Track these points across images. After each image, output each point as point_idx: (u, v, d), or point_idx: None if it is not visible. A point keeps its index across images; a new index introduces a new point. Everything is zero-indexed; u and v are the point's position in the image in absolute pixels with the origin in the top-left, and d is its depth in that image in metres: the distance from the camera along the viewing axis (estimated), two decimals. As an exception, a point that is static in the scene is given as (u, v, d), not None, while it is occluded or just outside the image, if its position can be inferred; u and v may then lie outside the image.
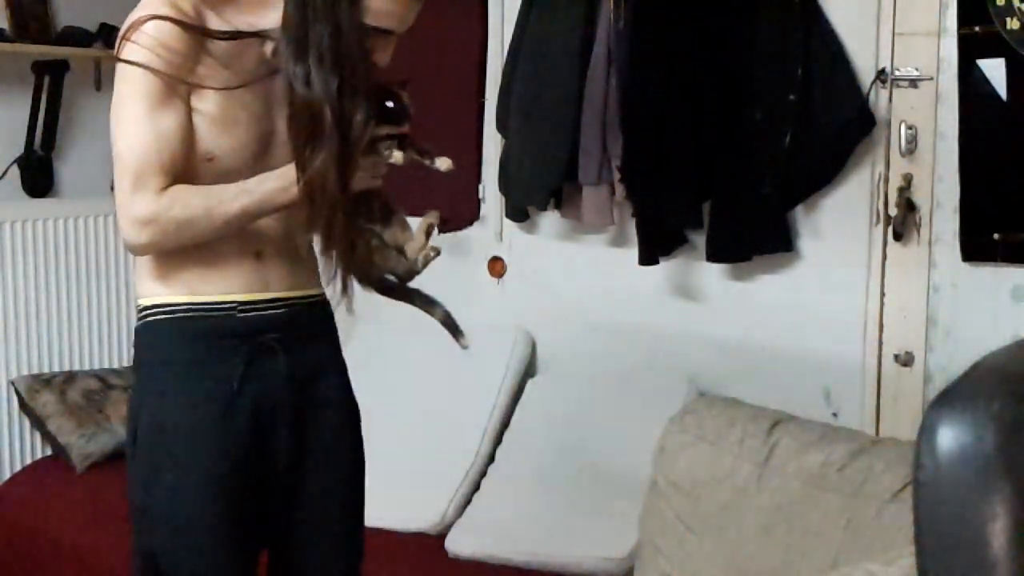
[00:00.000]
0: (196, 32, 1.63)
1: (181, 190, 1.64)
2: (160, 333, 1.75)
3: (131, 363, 3.71)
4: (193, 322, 1.73)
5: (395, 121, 1.75)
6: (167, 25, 1.61)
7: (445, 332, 1.88)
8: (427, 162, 1.81)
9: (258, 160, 1.72)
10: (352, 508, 1.91)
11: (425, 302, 1.87)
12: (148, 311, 1.76)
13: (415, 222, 1.86)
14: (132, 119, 1.62)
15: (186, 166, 1.66)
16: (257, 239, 1.76)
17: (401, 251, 1.83)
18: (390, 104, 1.74)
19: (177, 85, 1.62)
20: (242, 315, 1.75)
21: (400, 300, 1.87)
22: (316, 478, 1.83)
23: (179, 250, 1.70)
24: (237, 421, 1.73)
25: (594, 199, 2.94)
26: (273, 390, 1.77)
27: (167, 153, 1.62)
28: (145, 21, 1.61)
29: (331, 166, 1.63)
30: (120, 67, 1.63)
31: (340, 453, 1.88)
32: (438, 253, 1.84)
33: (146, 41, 1.60)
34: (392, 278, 1.85)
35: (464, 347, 1.84)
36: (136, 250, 1.69)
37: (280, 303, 1.79)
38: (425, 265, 1.83)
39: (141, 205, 1.62)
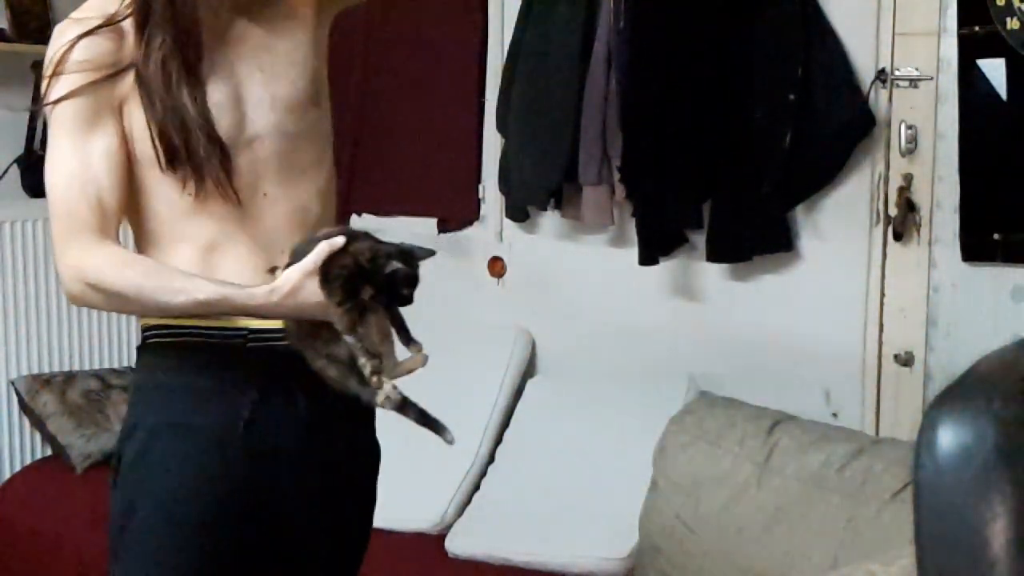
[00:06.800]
0: (106, 26, 1.50)
1: (118, 256, 1.49)
2: (161, 357, 1.58)
3: (131, 363, 3.74)
4: (198, 347, 1.55)
5: (398, 297, 1.46)
6: (82, 44, 1.49)
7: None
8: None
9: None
10: (352, 565, 1.75)
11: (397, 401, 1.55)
12: (151, 332, 1.59)
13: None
14: (59, 152, 1.50)
15: (129, 187, 1.53)
16: (270, 249, 1.56)
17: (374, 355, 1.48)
18: (397, 266, 1.44)
19: (105, 102, 1.50)
20: (253, 344, 1.55)
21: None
22: (319, 536, 1.65)
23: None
24: (236, 468, 1.54)
25: (594, 199, 2.94)
26: (287, 437, 1.57)
27: (92, 188, 1.49)
28: (62, 55, 1.50)
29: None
30: (47, 110, 1.52)
31: (352, 510, 1.71)
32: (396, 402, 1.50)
33: (67, 68, 1.49)
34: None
35: (449, 442, 1.55)
36: (68, 299, 1.52)
37: None
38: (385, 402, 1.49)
39: (73, 255, 1.48)
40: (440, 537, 2.86)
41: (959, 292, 2.54)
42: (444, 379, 3.20)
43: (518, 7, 3.11)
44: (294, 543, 1.63)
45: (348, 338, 1.44)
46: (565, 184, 3.00)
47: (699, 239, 2.85)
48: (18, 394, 3.46)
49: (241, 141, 1.54)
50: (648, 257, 2.84)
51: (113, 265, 1.47)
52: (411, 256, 1.46)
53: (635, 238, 2.86)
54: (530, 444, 3.00)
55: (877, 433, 2.64)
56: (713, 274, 2.90)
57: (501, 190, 3.22)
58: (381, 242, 1.47)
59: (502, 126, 3.18)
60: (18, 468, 3.48)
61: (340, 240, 1.44)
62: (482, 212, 3.36)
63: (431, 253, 1.49)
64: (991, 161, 2.45)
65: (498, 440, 3.08)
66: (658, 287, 2.99)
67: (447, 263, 3.35)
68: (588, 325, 3.17)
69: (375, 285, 1.43)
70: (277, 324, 1.52)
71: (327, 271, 1.43)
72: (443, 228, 3.36)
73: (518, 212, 3.21)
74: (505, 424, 3.11)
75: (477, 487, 2.99)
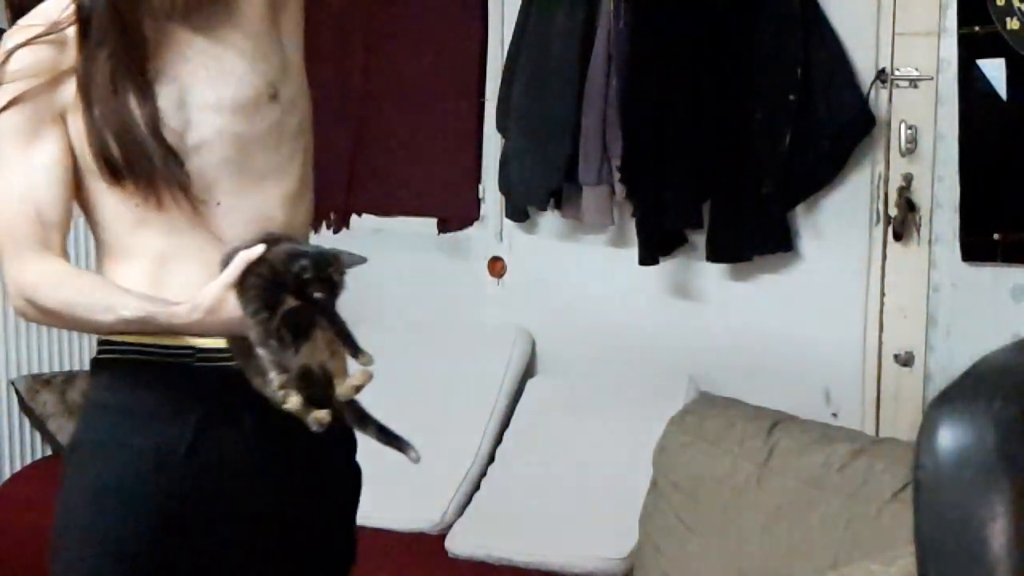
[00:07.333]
0: (47, 34, 1.45)
1: (55, 272, 1.45)
2: (108, 373, 1.51)
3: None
4: (144, 366, 1.47)
5: (309, 301, 1.34)
6: (24, 51, 1.44)
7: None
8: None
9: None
10: None
11: (355, 418, 1.49)
12: (100, 347, 1.52)
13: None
14: (1, 165, 1.47)
15: (74, 198, 1.50)
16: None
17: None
18: (304, 264, 1.32)
19: (46, 113, 1.45)
20: (200, 364, 1.46)
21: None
22: (272, 566, 1.53)
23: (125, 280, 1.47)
24: (176, 492, 1.44)
25: (594, 199, 2.94)
26: (232, 462, 1.47)
27: (30, 202, 1.45)
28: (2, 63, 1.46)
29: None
30: None
31: (316, 537, 1.56)
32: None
33: (5, 78, 1.44)
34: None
35: (415, 460, 1.46)
36: (16, 314, 1.50)
37: None
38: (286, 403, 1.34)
39: (13, 271, 1.45)
40: (440, 537, 2.86)
41: (959, 292, 2.54)
42: (444, 379, 3.21)
43: (518, 7, 3.11)
44: (242, 572, 1.52)
45: (259, 350, 1.34)
46: (565, 184, 3.00)
47: (699, 239, 2.85)
48: (18, 394, 3.46)
49: (187, 147, 1.44)
50: (648, 257, 2.84)
51: (47, 282, 1.44)
52: (331, 259, 1.35)
53: (635, 238, 2.86)
54: (530, 444, 3.00)
55: (877, 433, 2.64)
56: (713, 274, 2.90)
57: (501, 190, 3.22)
58: (300, 244, 1.40)
59: (502, 126, 3.18)
60: (18, 468, 3.48)
61: (258, 249, 1.35)
62: (482, 212, 3.36)
63: (361, 260, 1.38)
64: (991, 161, 2.46)
65: (498, 440, 3.08)
66: (658, 287, 2.99)
67: (447, 263, 3.36)
68: (588, 325, 3.17)
69: (294, 292, 1.34)
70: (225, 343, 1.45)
71: (243, 281, 1.35)
72: (443, 228, 3.36)
73: (518, 212, 3.21)
74: (505, 424, 3.11)
75: (477, 487, 2.99)
